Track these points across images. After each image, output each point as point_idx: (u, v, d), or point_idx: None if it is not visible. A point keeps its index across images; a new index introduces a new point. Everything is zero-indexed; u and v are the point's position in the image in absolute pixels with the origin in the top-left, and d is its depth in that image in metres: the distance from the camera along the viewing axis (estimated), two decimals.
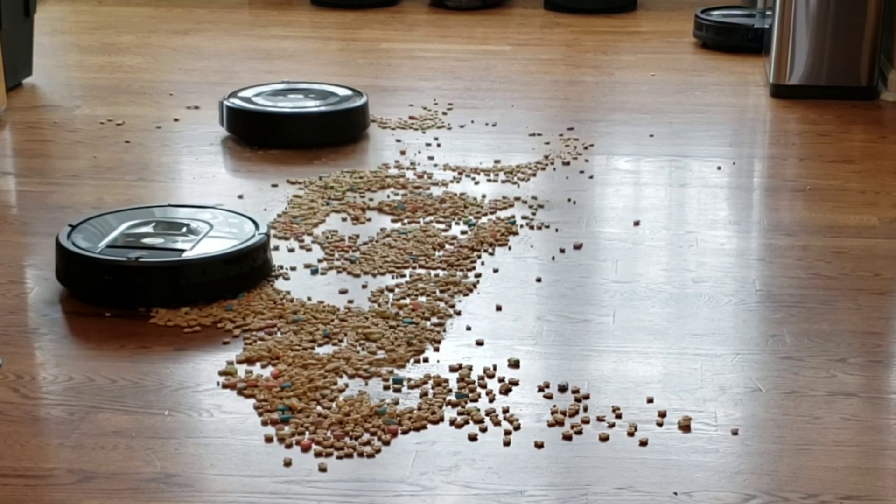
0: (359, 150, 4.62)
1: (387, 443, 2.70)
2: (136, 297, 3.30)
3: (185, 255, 3.36)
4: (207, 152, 4.60)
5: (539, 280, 3.51)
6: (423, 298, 3.37)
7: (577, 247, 3.73)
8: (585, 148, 4.64)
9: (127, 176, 4.32)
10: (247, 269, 3.39)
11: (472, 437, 2.72)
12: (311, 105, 4.75)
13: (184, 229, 3.53)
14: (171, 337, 3.17)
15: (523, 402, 2.86)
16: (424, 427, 2.76)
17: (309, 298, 3.37)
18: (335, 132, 4.66)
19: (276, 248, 3.68)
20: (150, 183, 4.28)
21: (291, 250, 3.70)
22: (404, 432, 2.73)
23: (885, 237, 3.83)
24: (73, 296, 3.37)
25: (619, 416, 2.79)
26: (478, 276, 3.53)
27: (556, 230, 3.87)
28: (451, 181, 4.26)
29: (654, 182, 4.35)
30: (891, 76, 5.26)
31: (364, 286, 3.46)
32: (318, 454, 2.65)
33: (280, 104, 4.72)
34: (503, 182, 4.27)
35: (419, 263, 3.59)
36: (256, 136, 4.63)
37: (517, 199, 4.10)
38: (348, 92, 4.87)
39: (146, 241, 3.46)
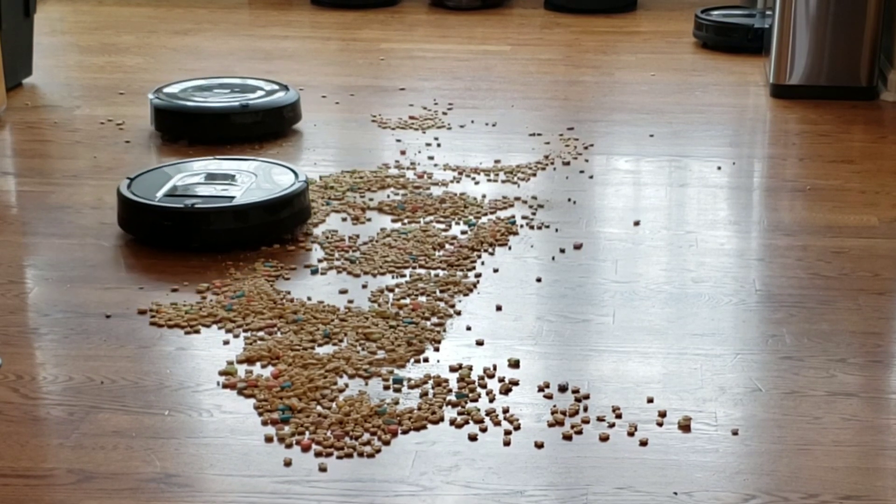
0: (359, 150, 4.62)
1: (387, 443, 2.70)
2: (193, 239, 3.65)
3: (236, 202, 3.72)
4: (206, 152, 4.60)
5: (539, 280, 3.51)
6: (423, 298, 3.37)
7: (577, 247, 3.73)
8: (585, 148, 4.64)
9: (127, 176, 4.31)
10: (290, 214, 3.76)
11: (472, 437, 2.72)
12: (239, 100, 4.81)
13: (230, 179, 3.91)
14: (171, 337, 3.17)
15: (523, 402, 2.86)
16: (424, 427, 2.76)
17: (309, 298, 3.37)
18: (267, 127, 4.73)
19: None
20: None
21: (291, 250, 3.70)
22: (404, 432, 2.73)
23: (885, 237, 3.82)
24: (136, 241, 3.74)
25: (619, 416, 2.79)
26: (478, 276, 3.53)
27: (556, 230, 3.87)
28: (451, 181, 4.26)
29: (654, 182, 4.34)
30: (891, 76, 5.26)
31: (364, 286, 3.46)
32: (318, 454, 2.65)
33: (209, 100, 4.77)
34: (503, 182, 4.27)
35: (419, 263, 3.59)
36: (185, 132, 4.70)
37: (517, 199, 4.09)
38: (274, 87, 4.92)
39: (199, 190, 3.83)
